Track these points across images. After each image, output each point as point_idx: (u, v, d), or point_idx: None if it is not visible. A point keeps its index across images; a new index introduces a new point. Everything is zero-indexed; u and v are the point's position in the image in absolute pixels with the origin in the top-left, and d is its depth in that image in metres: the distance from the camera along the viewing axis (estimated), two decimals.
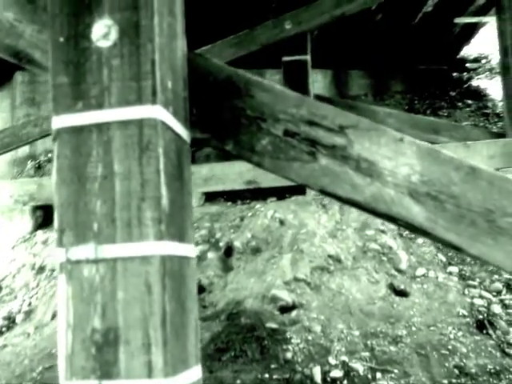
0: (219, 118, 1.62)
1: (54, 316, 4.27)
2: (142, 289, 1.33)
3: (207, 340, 3.63)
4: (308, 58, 5.61)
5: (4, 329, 4.25)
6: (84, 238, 1.37)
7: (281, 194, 5.32)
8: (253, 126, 1.59)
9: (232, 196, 5.52)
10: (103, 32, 1.44)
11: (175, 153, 1.48)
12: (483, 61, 8.98)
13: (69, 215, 1.39)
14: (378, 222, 4.52)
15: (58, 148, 1.41)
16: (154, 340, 1.31)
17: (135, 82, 1.40)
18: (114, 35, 1.43)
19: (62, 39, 1.45)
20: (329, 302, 3.85)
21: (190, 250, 1.54)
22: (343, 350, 3.38)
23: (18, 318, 4.35)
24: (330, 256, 4.19)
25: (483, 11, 7.32)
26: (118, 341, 1.33)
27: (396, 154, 1.51)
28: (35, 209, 5.61)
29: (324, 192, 1.53)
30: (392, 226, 4.51)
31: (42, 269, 4.98)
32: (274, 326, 3.61)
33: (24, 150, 7.25)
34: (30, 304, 4.48)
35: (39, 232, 5.51)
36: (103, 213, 1.37)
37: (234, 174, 5.33)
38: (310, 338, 3.50)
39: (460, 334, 3.46)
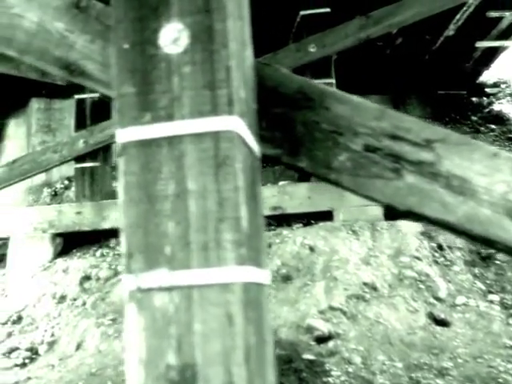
0: (291, 133, 1.49)
1: (78, 347, 4.11)
2: (223, 320, 1.19)
3: None
4: (333, 81, 5.51)
5: (27, 360, 4.09)
6: (155, 263, 1.23)
7: (306, 219, 5.18)
8: (329, 140, 1.46)
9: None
10: (172, 37, 1.31)
11: (250, 170, 1.35)
12: (503, 85, 8.88)
13: (138, 238, 1.25)
14: (412, 249, 4.37)
15: (124, 164, 1.28)
16: (237, 378, 1.16)
17: (209, 90, 1.28)
18: (184, 40, 1.31)
19: (126, 46, 1.32)
20: (367, 332, 3.68)
21: (266, 276, 1.39)
22: (387, 383, 3.20)
23: (41, 349, 4.19)
24: (365, 284, 4.03)
25: (505, 35, 7.23)
26: (196, 379, 1.18)
27: (491, 170, 1.38)
28: (55, 236, 5.48)
29: (411, 213, 1.39)
30: (427, 253, 4.36)
31: (63, 298, 4.84)
32: (311, 357, 3.44)
33: (40, 178, 7.14)
34: (52, 334, 4.33)
35: (59, 260, 5.38)
36: (176, 235, 1.24)
37: None
38: (350, 370, 3.33)
39: (510, 366, 3.28)
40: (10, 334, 4.51)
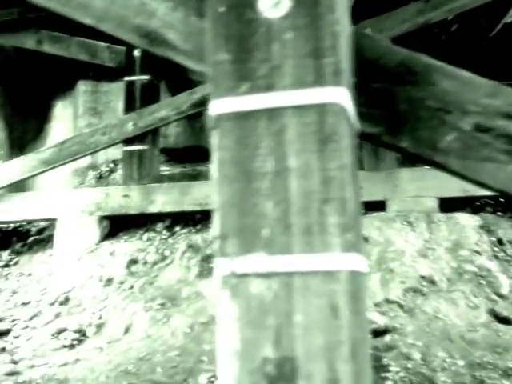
0: (392, 110, 1.37)
1: (126, 330, 4.06)
2: (326, 311, 1.08)
3: None
4: None
5: (75, 342, 4.06)
6: (252, 247, 1.13)
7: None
8: (435, 119, 1.33)
9: None
10: (273, 0, 1.20)
11: (353, 147, 1.23)
12: None
13: (233, 219, 1.14)
14: (472, 242, 4.20)
15: (218, 138, 1.18)
16: (342, 375, 1.05)
17: (313, 59, 1.16)
18: (286, 4, 1.19)
19: (222, 9, 1.21)
20: (425, 327, 3.54)
21: (366, 265, 1.28)
22: (449, 381, 3.06)
23: (89, 332, 4.15)
24: (422, 277, 3.88)
25: None
26: (296, 374, 1.07)
27: None
28: (102, 219, 5.44)
29: None
30: (486, 247, 4.18)
31: (109, 281, 4.79)
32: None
33: (85, 160, 7.12)
34: (100, 317, 4.28)
35: (106, 243, 5.34)
36: (275, 217, 1.13)
37: None
38: (409, 365, 3.20)
39: None
40: (57, 315, 4.49)
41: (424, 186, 4.89)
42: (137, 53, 5.54)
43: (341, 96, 1.15)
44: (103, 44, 6.07)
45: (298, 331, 1.08)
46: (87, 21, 1.53)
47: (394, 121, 1.37)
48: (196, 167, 6.75)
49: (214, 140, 1.18)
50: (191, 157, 7.25)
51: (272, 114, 1.16)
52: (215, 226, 1.17)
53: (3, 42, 6.20)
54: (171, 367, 3.52)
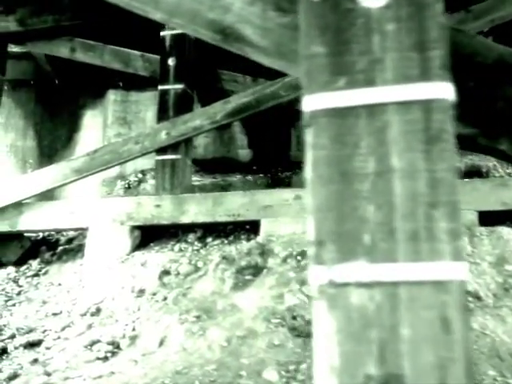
0: (489, 110, 1.27)
1: (161, 343, 3.98)
2: (436, 325, 0.98)
3: None
4: None
5: (109, 354, 3.98)
6: (352, 254, 1.04)
7: None
8: None
9: None
10: None
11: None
12: None
13: (330, 223, 1.06)
14: None
15: (312, 136, 1.09)
16: None
17: (417, 52, 1.08)
18: None
19: None
20: (473, 344, 3.41)
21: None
22: None
23: (123, 344, 4.06)
24: (467, 292, 3.75)
25: None
26: None
27: None
28: (133, 229, 5.37)
29: None
30: None
31: (141, 292, 4.72)
32: None
33: (114, 170, 7.08)
34: (133, 329, 4.20)
35: (137, 253, 5.27)
36: (377, 221, 1.04)
37: None
38: None
39: None
40: (89, 326, 4.41)
41: (463, 199, 4.75)
42: (171, 62, 5.50)
43: (447, 91, 1.06)
44: (137, 52, 6.04)
45: (405, 346, 0.99)
46: (158, 16, 1.45)
47: (490, 122, 1.27)
48: (226, 178, 6.69)
49: (308, 138, 1.10)
50: (220, 168, 7.19)
51: (372, 110, 1.07)
52: (309, 230, 1.08)
53: (37, 50, 6.20)
54: (209, 382, 3.43)
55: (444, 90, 1.05)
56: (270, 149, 7.38)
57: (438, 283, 0.99)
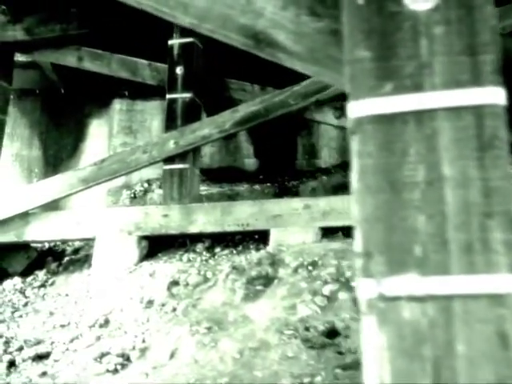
0: None
1: (172, 355, 3.91)
2: (494, 340, 0.94)
3: None
4: None
5: (119, 367, 3.91)
6: (402, 266, 0.99)
7: None
8: None
9: (350, 232, 5.10)
10: None
11: None
12: None
13: (378, 234, 1.01)
14: None
15: (358, 143, 1.05)
16: None
17: (468, 56, 1.03)
18: None
19: (361, 2, 1.10)
20: None
21: None
22: None
23: (133, 356, 4.00)
24: None
25: None
26: None
27: None
28: (141, 239, 5.32)
29: None
30: None
31: (150, 303, 4.66)
32: None
33: (120, 179, 7.04)
34: (143, 341, 4.14)
35: (145, 263, 5.22)
36: (429, 232, 0.99)
37: None
38: None
39: None
40: (98, 338, 4.35)
41: None
42: (179, 70, 5.47)
43: (500, 97, 1.02)
44: (144, 61, 6.02)
45: (461, 363, 0.94)
46: (187, 21, 1.42)
47: None
48: (233, 187, 6.64)
49: (354, 146, 1.05)
50: (226, 177, 7.15)
51: (421, 116, 1.03)
52: (356, 242, 1.04)
53: (44, 59, 6.18)
54: None
55: (496, 95, 1.01)
56: (276, 158, 7.34)
57: (495, 296, 0.95)
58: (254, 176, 7.24)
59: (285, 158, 7.45)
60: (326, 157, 7.46)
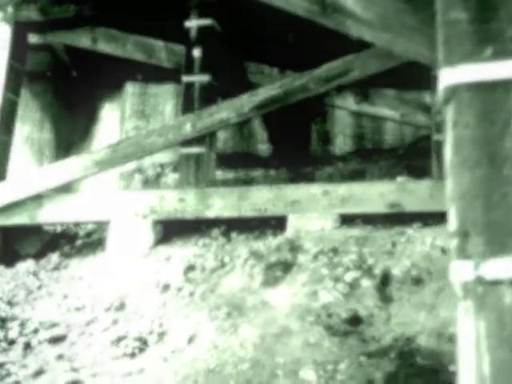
0: None
1: (190, 340, 3.85)
2: None
3: (381, 381, 3.13)
4: None
5: (136, 351, 3.86)
6: (503, 247, 0.90)
7: (425, 219, 4.79)
8: None
9: (369, 219, 5.02)
10: None
11: None
12: None
13: (475, 212, 0.92)
14: None
15: (453, 113, 0.96)
16: None
17: None
18: None
19: None
20: None
21: None
22: None
23: (151, 340, 3.94)
24: None
25: None
26: None
27: None
28: (156, 223, 5.25)
29: None
30: None
31: (166, 287, 4.60)
32: None
33: (131, 163, 6.96)
34: (161, 325, 4.08)
35: (160, 247, 5.16)
36: None
37: (375, 195, 4.84)
38: None
39: None
40: (114, 322, 4.29)
41: None
42: (196, 53, 5.36)
43: None
44: (160, 43, 5.91)
45: None
46: None
47: None
48: (248, 173, 6.57)
49: (448, 115, 0.96)
50: (240, 162, 7.08)
51: None
52: (451, 220, 0.95)
53: (57, 40, 6.08)
54: (245, 381, 3.31)
55: None
56: (290, 144, 7.26)
57: None
58: (267, 162, 7.17)
59: (299, 144, 7.37)
60: (341, 144, 7.38)
